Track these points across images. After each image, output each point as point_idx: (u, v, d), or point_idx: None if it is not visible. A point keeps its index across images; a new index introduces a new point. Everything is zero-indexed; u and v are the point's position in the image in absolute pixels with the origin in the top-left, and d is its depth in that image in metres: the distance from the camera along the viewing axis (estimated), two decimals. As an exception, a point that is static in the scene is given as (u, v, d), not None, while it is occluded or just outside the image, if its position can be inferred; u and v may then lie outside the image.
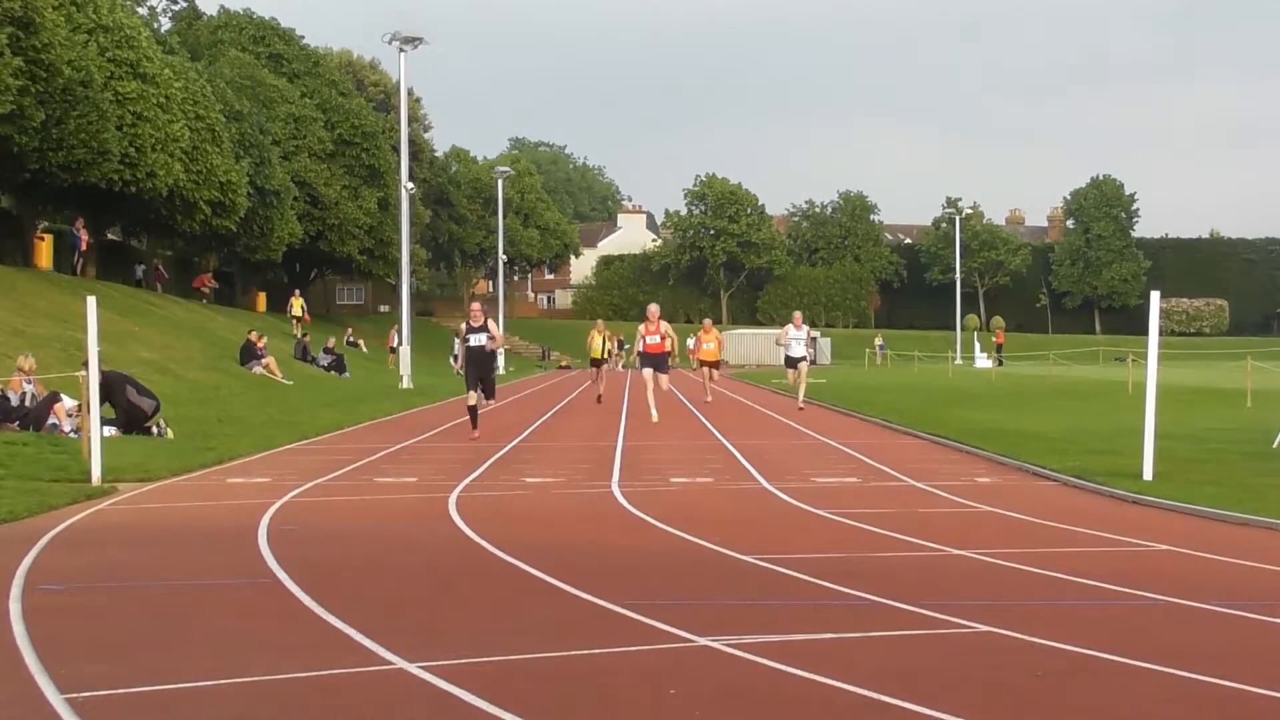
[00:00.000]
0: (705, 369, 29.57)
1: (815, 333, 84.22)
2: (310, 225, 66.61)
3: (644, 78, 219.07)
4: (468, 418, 20.74)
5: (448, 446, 18.89)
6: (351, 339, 53.60)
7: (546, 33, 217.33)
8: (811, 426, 22.78)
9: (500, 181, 79.59)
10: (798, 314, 28.78)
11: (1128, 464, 13.88)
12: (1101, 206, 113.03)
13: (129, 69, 42.84)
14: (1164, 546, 9.32)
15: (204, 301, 54.90)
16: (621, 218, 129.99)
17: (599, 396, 30.71)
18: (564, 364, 77.65)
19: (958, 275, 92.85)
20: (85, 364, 14.62)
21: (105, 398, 18.07)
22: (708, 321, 30.33)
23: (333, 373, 43.98)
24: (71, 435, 17.01)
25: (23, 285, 34.92)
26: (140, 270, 52.30)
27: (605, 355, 31.96)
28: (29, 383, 18.79)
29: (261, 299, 64.32)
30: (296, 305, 55.61)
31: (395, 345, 62.62)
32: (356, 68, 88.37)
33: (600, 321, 34.03)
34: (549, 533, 10.09)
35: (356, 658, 5.85)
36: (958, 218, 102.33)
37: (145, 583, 7.94)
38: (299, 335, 50.15)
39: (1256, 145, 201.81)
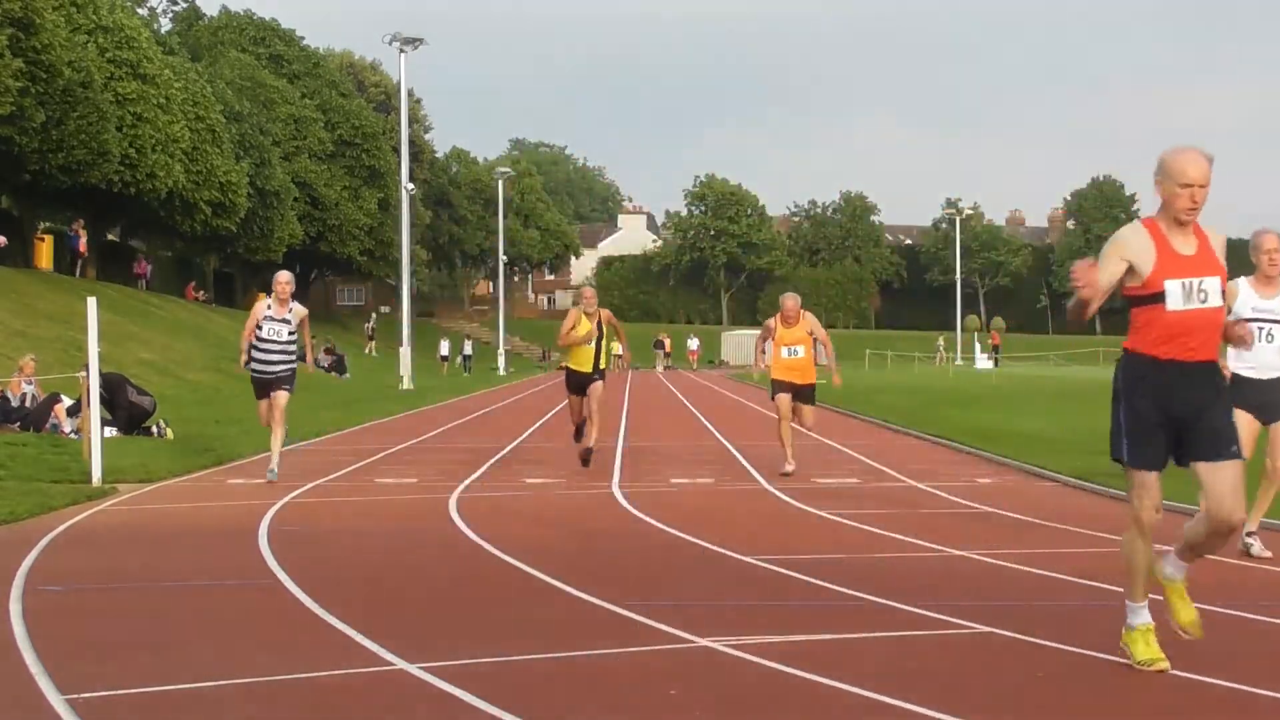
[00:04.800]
0: (784, 397, 14.77)
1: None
2: (311, 226, 66.67)
3: (644, 78, 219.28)
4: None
5: (448, 447, 18.89)
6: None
7: (546, 33, 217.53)
8: (812, 427, 22.76)
9: (500, 182, 79.60)
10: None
11: (1128, 464, 13.86)
12: (1102, 207, 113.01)
13: (129, 70, 42.89)
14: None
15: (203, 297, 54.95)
16: (622, 218, 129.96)
17: (586, 452, 15.01)
18: (564, 365, 77.57)
19: (958, 276, 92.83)
20: (86, 367, 14.63)
21: (107, 399, 18.09)
22: (790, 300, 15.07)
23: (333, 374, 44.00)
24: (72, 436, 17.01)
25: (23, 286, 34.93)
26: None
27: (598, 367, 15.07)
28: (29, 384, 18.79)
29: (262, 300, 64.35)
30: None
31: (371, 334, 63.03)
32: (357, 69, 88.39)
33: (590, 293, 15.65)
34: (549, 533, 10.09)
35: (356, 658, 5.85)
36: (958, 218, 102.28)
37: (145, 583, 7.94)
38: None
39: (1257, 145, 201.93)
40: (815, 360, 15.15)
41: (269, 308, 13.56)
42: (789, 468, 14.42)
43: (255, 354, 13.64)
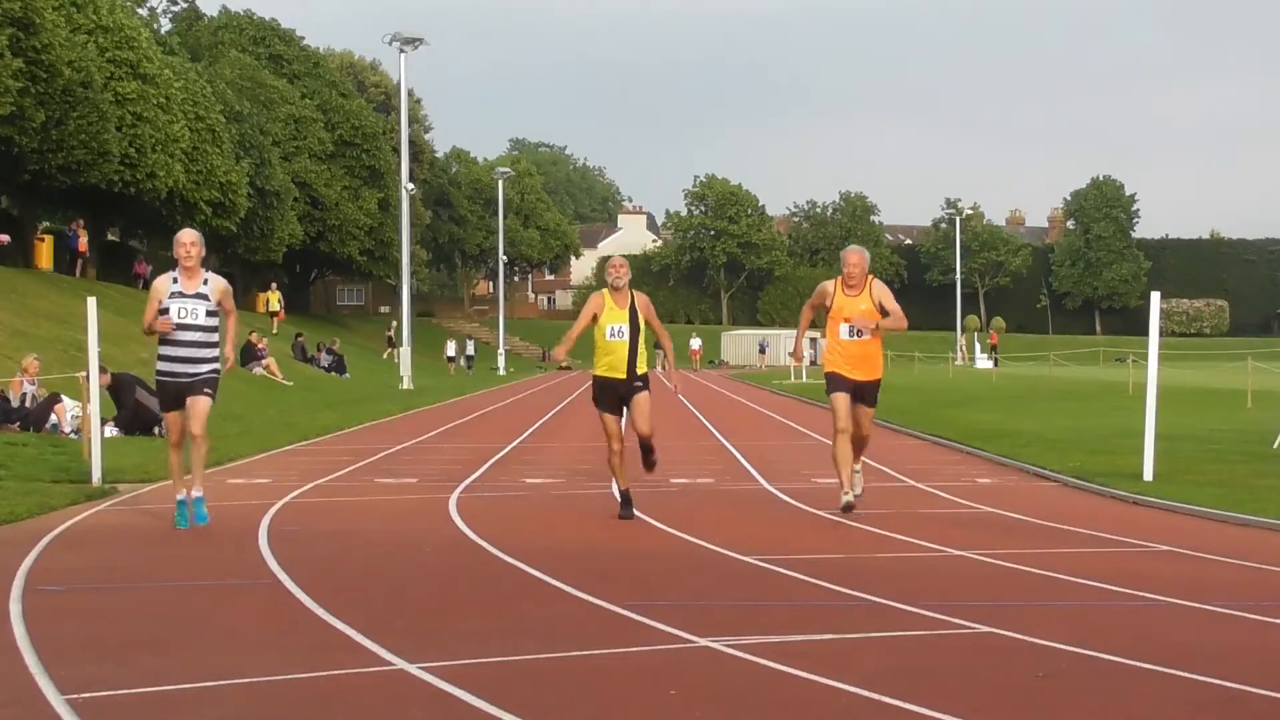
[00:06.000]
0: (843, 398, 10.80)
1: (815, 334, 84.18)
2: (310, 226, 66.72)
3: (644, 78, 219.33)
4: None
5: (448, 447, 18.89)
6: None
7: (546, 33, 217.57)
8: (811, 427, 22.78)
9: (500, 182, 79.72)
10: None
11: (1128, 464, 13.88)
12: (1101, 207, 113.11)
13: (129, 70, 42.87)
14: (1164, 547, 9.32)
15: None
16: (622, 218, 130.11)
17: (625, 497, 10.91)
18: (565, 365, 77.67)
19: (958, 276, 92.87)
20: (101, 369, 14.61)
21: (113, 398, 18.13)
22: (854, 255, 10.84)
23: (333, 373, 43.99)
24: (72, 436, 17.01)
25: (23, 286, 34.91)
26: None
27: (636, 370, 10.63)
28: (31, 384, 18.79)
29: (261, 300, 64.44)
30: (273, 299, 53.96)
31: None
32: (357, 69, 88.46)
33: (619, 263, 10.78)
34: (549, 533, 10.09)
35: (356, 658, 5.85)
36: (958, 218, 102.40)
37: (145, 583, 7.94)
38: (274, 331, 49.09)
39: (1256, 145, 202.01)
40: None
41: (174, 281, 10.08)
42: (849, 496, 10.88)
43: (163, 349, 10.10)
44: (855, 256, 10.75)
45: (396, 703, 5.15)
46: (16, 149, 37.04)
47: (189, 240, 10.16)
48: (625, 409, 10.72)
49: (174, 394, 10.18)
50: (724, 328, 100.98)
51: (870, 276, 10.76)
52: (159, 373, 10.17)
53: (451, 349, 67.12)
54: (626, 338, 10.49)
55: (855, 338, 10.62)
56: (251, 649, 6.10)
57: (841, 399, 10.75)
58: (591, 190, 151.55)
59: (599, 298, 10.64)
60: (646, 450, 11.02)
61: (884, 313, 10.70)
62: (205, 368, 10.10)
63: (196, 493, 10.25)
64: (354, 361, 48.79)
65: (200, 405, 10.09)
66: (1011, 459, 15.71)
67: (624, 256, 11.00)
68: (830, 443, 11.09)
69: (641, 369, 10.63)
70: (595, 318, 10.57)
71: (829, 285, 10.84)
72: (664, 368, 10.62)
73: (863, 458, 11.41)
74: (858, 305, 10.61)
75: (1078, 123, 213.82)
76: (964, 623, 6.59)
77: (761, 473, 14.75)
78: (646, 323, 10.68)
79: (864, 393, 10.83)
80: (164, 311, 9.94)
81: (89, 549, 9.29)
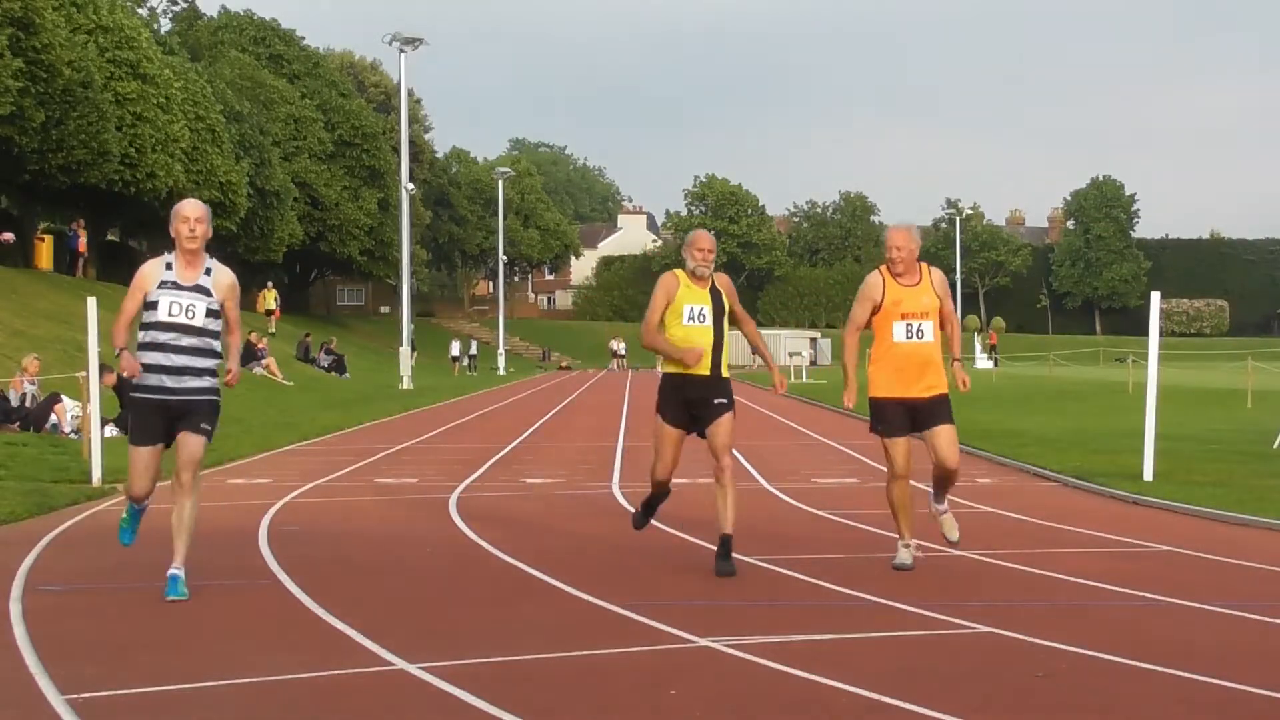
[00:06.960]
0: (900, 443, 8.50)
1: (815, 333, 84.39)
2: (310, 226, 66.74)
3: (644, 78, 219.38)
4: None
5: (448, 447, 18.89)
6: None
7: (546, 34, 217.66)
8: (811, 427, 22.77)
9: (500, 182, 79.71)
10: None
11: (1128, 464, 13.87)
12: (1101, 207, 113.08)
13: (129, 69, 42.88)
14: (1164, 547, 9.32)
15: None
16: (622, 218, 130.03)
17: (726, 549, 8.31)
18: (564, 365, 77.85)
19: (958, 276, 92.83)
20: (103, 369, 14.59)
21: (118, 396, 18.13)
22: (899, 235, 8.26)
23: (333, 373, 43.99)
24: (72, 436, 17.01)
25: (23, 286, 34.91)
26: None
27: (720, 370, 8.58)
28: (32, 384, 18.79)
29: (260, 299, 64.46)
30: (269, 298, 53.70)
31: (455, 355, 63.30)
32: (357, 69, 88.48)
33: (706, 242, 8.32)
34: (549, 533, 10.09)
35: (356, 658, 5.86)
36: (958, 218, 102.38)
37: (145, 583, 7.94)
38: (271, 330, 48.89)
39: (1256, 145, 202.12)
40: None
41: (168, 268, 7.49)
42: (909, 552, 8.49)
43: (147, 354, 7.49)
44: (901, 237, 8.24)
45: (396, 703, 5.15)
46: (16, 149, 37.05)
47: (194, 215, 7.48)
48: (694, 426, 8.47)
49: (153, 417, 7.58)
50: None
51: (925, 265, 8.41)
52: (135, 388, 7.63)
53: (455, 349, 67.33)
54: (710, 323, 8.21)
55: (915, 339, 8.25)
56: (251, 649, 6.10)
57: (900, 444, 8.42)
58: (591, 190, 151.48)
59: (672, 278, 8.34)
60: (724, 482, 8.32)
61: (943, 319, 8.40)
62: (200, 383, 7.59)
63: (177, 568, 7.58)
64: (354, 361, 48.79)
65: (193, 446, 7.62)
66: (1011, 459, 15.71)
67: (711, 236, 8.55)
68: (884, 485, 8.80)
69: (725, 370, 8.50)
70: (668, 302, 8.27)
71: (874, 280, 8.39)
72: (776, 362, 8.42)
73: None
74: (919, 298, 8.24)
75: (1078, 123, 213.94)
76: (964, 623, 6.59)
77: (761, 473, 14.74)
78: (731, 310, 8.40)
79: (932, 412, 8.35)
80: (151, 306, 7.42)
81: (89, 549, 9.30)
